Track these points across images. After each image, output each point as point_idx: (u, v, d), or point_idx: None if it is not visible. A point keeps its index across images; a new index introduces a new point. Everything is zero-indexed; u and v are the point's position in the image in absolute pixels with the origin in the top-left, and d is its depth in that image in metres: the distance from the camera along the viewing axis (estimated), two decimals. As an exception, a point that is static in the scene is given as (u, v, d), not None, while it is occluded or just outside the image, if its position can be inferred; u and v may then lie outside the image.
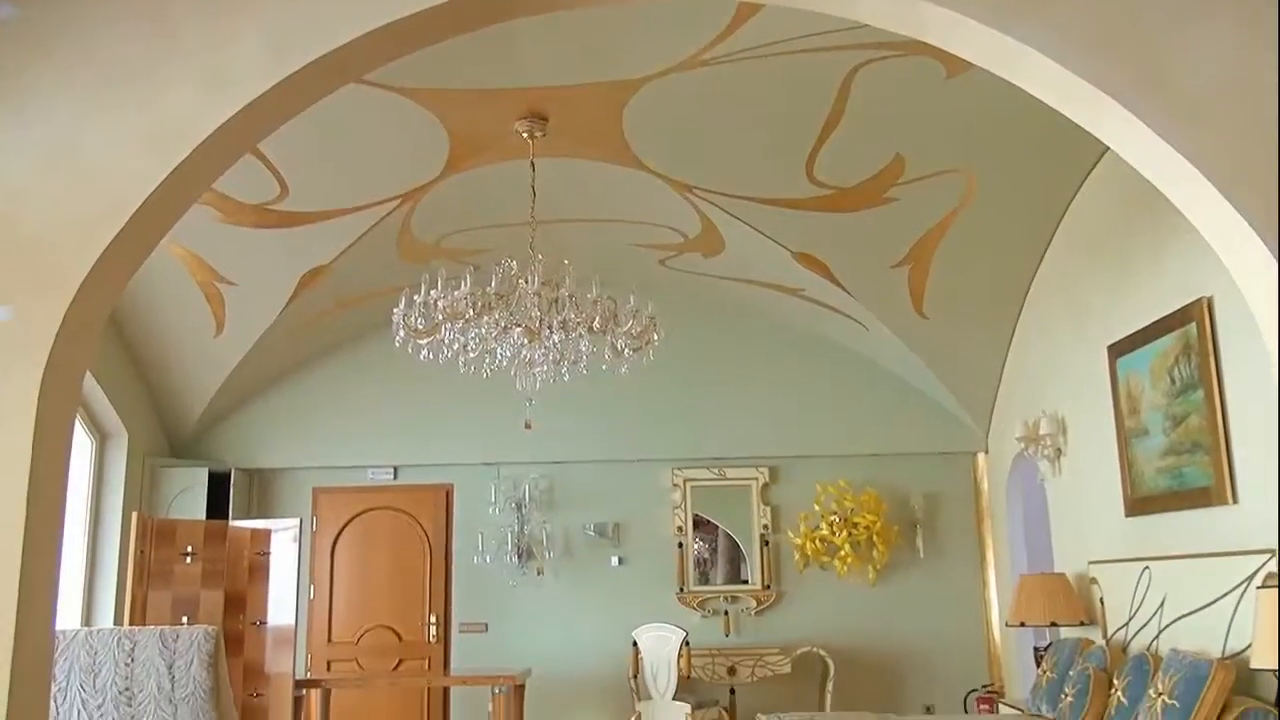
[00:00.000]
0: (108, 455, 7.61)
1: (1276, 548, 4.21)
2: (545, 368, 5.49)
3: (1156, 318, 5.29)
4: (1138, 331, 5.48)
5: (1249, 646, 4.06)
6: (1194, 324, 4.93)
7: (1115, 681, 4.87)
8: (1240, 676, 4.23)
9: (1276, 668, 3.71)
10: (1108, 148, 5.66)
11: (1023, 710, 6.06)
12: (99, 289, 2.94)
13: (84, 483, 7.43)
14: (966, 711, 7.65)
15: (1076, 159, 5.97)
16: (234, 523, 7.31)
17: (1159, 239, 5.31)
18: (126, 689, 3.55)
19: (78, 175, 2.92)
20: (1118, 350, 5.72)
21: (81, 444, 7.40)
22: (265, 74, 2.93)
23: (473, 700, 8.05)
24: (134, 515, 6.82)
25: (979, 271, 6.94)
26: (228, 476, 8.21)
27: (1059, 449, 6.64)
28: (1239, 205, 2.74)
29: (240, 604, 6.96)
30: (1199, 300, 4.89)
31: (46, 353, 2.81)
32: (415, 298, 5.24)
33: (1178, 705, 4.21)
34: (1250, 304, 2.87)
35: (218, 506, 8.04)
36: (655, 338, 5.49)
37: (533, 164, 5.68)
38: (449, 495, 8.58)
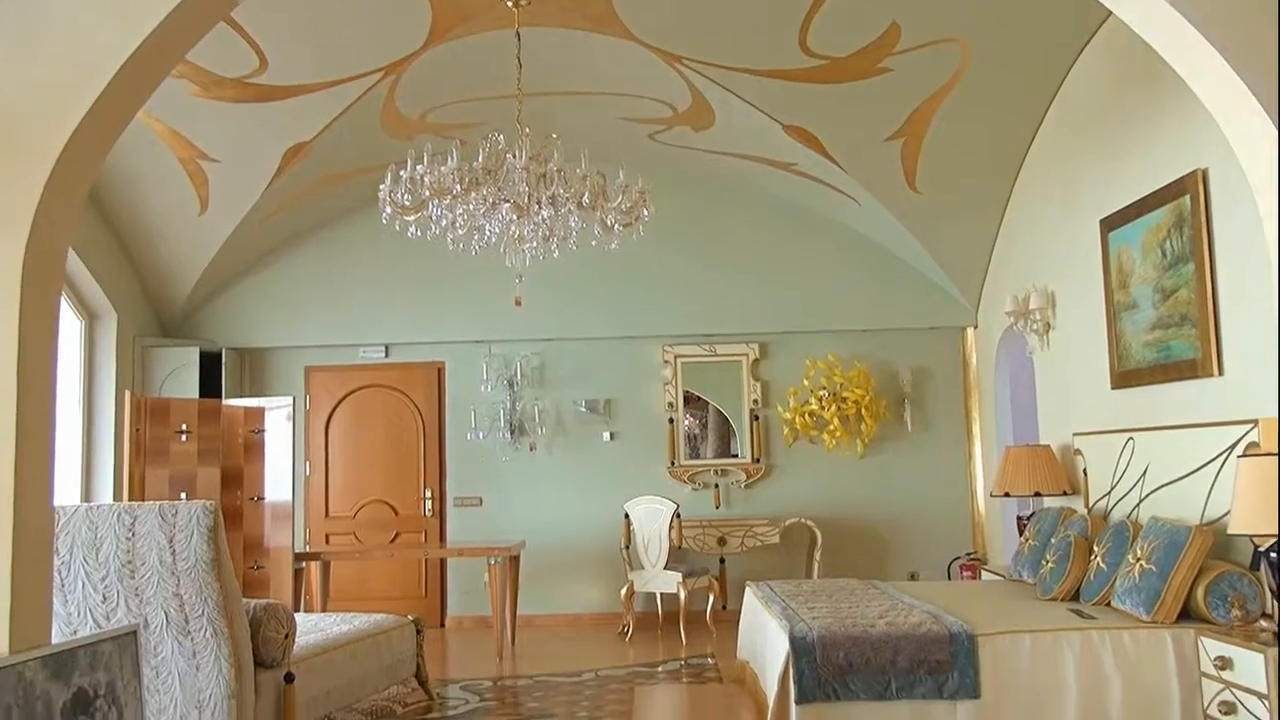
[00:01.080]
0: (97, 336, 7.59)
1: (1259, 418, 4.27)
2: (535, 244, 5.44)
3: (1150, 190, 5.25)
4: (1130, 205, 5.44)
5: (1227, 513, 4.15)
6: (1188, 196, 4.89)
7: (1095, 548, 4.99)
8: (1217, 542, 4.35)
9: (1270, 533, 3.79)
10: (1105, 18, 5.56)
11: (1004, 576, 6.24)
12: (77, 161, 2.89)
13: (75, 363, 7.43)
14: (950, 578, 7.88)
15: (1073, 30, 5.83)
16: (227, 401, 7.36)
17: (1155, 112, 5.22)
18: (129, 562, 3.62)
19: (47, 46, 2.84)
20: (1109, 224, 5.69)
21: (70, 325, 7.37)
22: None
23: (469, 571, 8.27)
24: (125, 395, 6.86)
25: (972, 145, 6.84)
26: (219, 356, 8.23)
27: (1048, 323, 6.67)
28: (1243, 73, 2.69)
29: (237, 480, 7.08)
30: (1194, 172, 4.84)
31: (27, 228, 2.78)
32: (401, 173, 5.15)
33: (1155, 569, 4.33)
34: (1248, 174, 2.84)
35: (210, 386, 8.09)
36: (645, 213, 5.42)
37: (518, 34, 5.51)
38: (441, 373, 8.62)
